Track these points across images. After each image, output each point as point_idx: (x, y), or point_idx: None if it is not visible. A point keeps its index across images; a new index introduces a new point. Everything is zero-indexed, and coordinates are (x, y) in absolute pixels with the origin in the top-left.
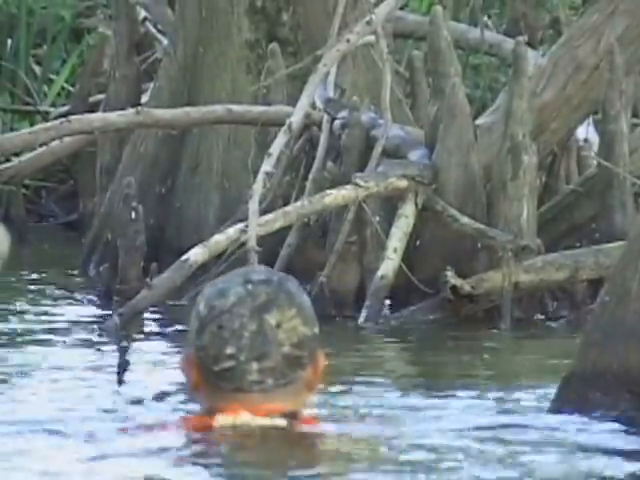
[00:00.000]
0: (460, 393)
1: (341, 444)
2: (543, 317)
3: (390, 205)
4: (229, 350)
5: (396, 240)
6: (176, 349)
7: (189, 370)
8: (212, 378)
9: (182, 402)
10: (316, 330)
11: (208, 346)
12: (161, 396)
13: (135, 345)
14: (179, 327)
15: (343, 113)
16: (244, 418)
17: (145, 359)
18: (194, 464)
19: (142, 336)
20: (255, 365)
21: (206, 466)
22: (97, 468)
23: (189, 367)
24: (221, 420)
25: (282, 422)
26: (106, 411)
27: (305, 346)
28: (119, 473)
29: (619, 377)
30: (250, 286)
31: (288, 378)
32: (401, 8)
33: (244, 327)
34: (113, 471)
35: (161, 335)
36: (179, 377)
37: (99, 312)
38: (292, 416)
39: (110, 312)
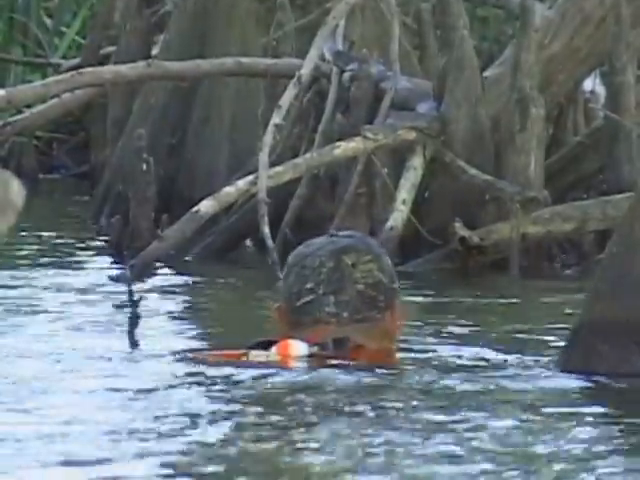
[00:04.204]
0: (466, 344)
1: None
2: (551, 268)
3: (399, 157)
4: (309, 285)
5: (405, 192)
6: (184, 301)
7: (279, 320)
8: (295, 315)
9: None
10: (395, 285)
11: (292, 285)
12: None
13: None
14: (188, 280)
15: (352, 65)
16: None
17: (155, 312)
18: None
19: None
20: (332, 298)
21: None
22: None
23: (279, 317)
24: (296, 349)
25: (345, 351)
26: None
27: (381, 290)
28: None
29: (627, 328)
30: (334, 238)
31: (363, 314)
32: None
33: (323, 265)
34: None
35: (171, 288)
36: (189, 331)
37: (110, 264)
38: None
39: (121, 263)
